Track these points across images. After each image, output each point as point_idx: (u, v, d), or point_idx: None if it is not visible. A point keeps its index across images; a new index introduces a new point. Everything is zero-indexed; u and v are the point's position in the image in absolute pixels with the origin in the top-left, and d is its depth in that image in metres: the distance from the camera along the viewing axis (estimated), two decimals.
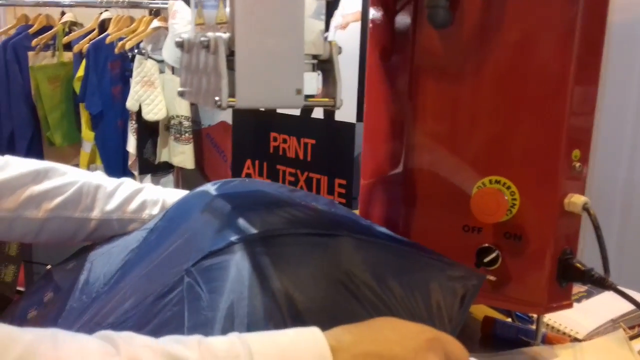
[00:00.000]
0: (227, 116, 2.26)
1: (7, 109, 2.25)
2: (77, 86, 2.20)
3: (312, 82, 0.60)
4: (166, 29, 2.15)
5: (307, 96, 0.59)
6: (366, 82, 0.77)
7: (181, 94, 0.65)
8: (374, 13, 0.75)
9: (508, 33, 0.62)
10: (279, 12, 0.54)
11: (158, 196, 0.75)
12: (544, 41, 0.61)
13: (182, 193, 0.77)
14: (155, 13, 2.30)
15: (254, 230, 0.55)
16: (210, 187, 0.68)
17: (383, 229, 0.64)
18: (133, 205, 0.73)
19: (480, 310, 0.78)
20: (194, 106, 2.29)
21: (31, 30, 2.27)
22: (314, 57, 0.59)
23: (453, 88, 0.66)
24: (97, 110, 2.18)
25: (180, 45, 0.62)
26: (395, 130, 0.72)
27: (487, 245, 0.65)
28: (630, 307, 0.76)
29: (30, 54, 2.24)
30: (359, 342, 0.42)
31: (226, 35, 0.54)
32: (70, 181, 0.71)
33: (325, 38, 0.60)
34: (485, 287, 0.66)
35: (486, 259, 0.64)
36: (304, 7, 0.56)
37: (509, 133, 0.63)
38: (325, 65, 0.60)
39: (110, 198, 0.72)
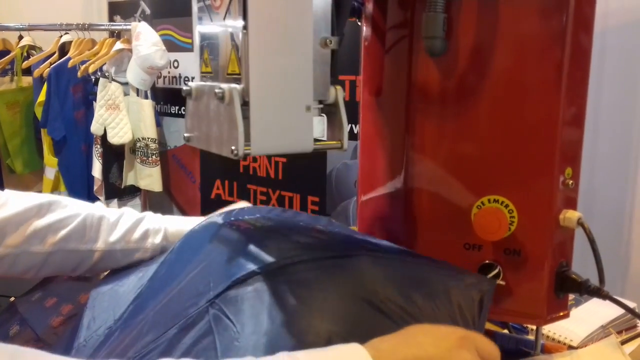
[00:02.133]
0: None
1: None
2: (38, 111, 2.15)
3: (319, 126, 0.62)
4: (130, 50, 2.13)
5: (315, 140, 0.61)
6: (361, 103, 0.79)
7: (187, 140, 0.65)
8: (366, 38, 0.77)
9: (500, 58, 0.66)
10: (289, 63, 0.57)
11: (160, 224, 0.75)
12: (533, 62, 0.65)
13: (183, 220, 0.77)
14: (117, 35, 2.27)
15: (271, 259, 0.56)
16: (217, 218, 0.68)
17: (391, 244, 0.66)
18: (136, 234, 0.73)
19: None
20: (159, 128, 2.26)
21: None
22: (320, 102, 0.62)
23: (449, 111, 0.69)
24: (60, 136, 2.13)
25: (188, 93, 0.63)
26: (392, 152, 0.74)
27: (488, 261, 0.67)
28: (617, 312, 0.80)
29: None
30: (396, 348, 0.45)
31: (240, 87, 0.55)
32: (73, 213, 0.70)
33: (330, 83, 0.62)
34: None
35: (489, 275, 0.67)
36: (311, 58, 0.58)
37: (505, 154, 0.66)
38: (330, 109, 0.62)
39: (114, 229, 0.72)
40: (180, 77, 2.29)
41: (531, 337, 0.76)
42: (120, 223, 0.73)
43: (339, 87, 0.61)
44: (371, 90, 0.78)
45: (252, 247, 0.58)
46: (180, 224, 0.76)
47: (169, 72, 2.29)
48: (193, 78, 2.24)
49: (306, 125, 0.58)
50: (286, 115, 0.57)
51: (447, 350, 0.46)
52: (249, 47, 0.54)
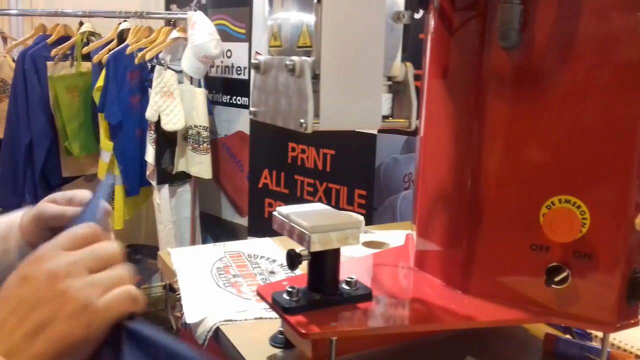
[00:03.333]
0: (244, 126, 2.27)
1: (25, 118, 2.25)
2: (96, 96, 2.20)
3: (387, 103, 0.61)
4: (185, 39, 2.17)
5: (384, 117, 0.60)
6: (426, 98, 0.77)
7: (254, 115, 0.65)
8: (433, 29, 0.75)
9: (578, 54, 0.63)
10: (361, 37, 0.56)
11: None
12: (614, 58, 0.62)
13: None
14: (174, 24, 2.31)
15: None
16: None
17: None
18: None
19: (538, 328, 0.78)
20: (210, 116, 2.29)
21: (49, 40, 2.27)
22: (389, 78, 0.60)
23: (521, 106, 0.66)
24: (117, 120, 2.19)
25: (256, 67, 0.63)
26: (458, 148, 0.73)
27: (557, 264, 0.65)
28: None
29: (49, 63, 2.24)
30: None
31: (311, 59, 0.55)
32: None
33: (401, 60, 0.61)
34: (549, 306, 0.67)
35: (557, 278, 0.64)
36: (383, 32, 0.57)
37: (580, 152, 0.64)
38: (400, 87, 0.61)
39: None
40: (232, 66, 2.31)
41: (596, 344, 0.74)
42: None
43: (409, 64, 0.60)
44: (436, 82, 0.76)
45: None
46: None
47: (222, 62, 2.32)
48: (245, 68, 2.26)
49: (375, 101, 0.57)
50: (356, 90, 0.56)
51: (20, 284, 0.41)
52: (322, 18, 0.53)
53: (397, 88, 0.61)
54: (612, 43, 0.62)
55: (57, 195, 0.63)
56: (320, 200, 1.99)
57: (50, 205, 0.61)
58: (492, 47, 0.67)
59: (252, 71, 0.65)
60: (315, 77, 0.55)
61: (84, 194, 0.62)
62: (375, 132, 1.76)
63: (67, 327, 0.40)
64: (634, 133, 0.62)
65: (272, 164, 2.06)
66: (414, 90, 0.60)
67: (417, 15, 0.77)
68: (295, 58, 0.55)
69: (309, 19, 0.56)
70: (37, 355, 0.39)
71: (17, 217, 0.64)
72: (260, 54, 2.17)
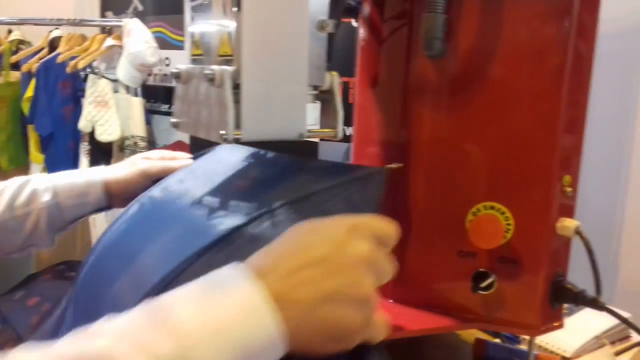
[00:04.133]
0: (184, 135, 2.22)
1: None
2: (25, 107, 2.11)
3: (314, 112, 0.60)
4: (120, 47, 2.10)
5: (310, 126, 0.59)
6: (355, 105, 0.77)
7: (175, 125, 0.63)
8: (363, 38, 0.76)
9: (500, 63, 0.64)
10: (284, 45, 0.55)
11: (47, 182, 0.73)
12: (534, 67, 0.63)
13: (72, 173, 0.76)
14: (109, 31, 2.24)
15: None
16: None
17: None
18: (22, 198, 0.70)
19: (470, 333, 0.79)
20: (148, 126, 2.23)
21: None
22: (315, 87, 0.60)
23: (446, 115, 0.67)
24: (48, 132, 2.10)
25: (177, 76, 0.61)
26: (386, 155, 0.73)
27: (482, 270, 0.66)
28: (611, 323, 0.79)
29: None
30: (282, 259, 0.39)
31: (231, 68, 0.53)
32: None
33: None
34: (478, 311, 0.68)
35: (483, 284, 0.65)
36: (308, 41, 0.56)
37: (502, 160, 0.65)
38: (325, 96, 0.60)
39: None
40: (171, 74, 2.26)
41: (524, 347, 0.75)
42: (4, 193, 0.70)
43: (334, 73, 0.59)
44: (366, 91, 0.76)
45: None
46: (70, 177, 0.74)
47: (160, 70, 2.27)
48: None
49: (300, 111, 0.56)
50: (279, 100, 0.55)
51: (340, 244, 0.40)
52: (242, 27, 0.52)
53: (323, 97, 0.61)
54: (532, 52, 0.63)
55: (156, 152, 0.78)
56: None
57: (156, 161, 0.75)
58: (418, 56, 0.67)
59: (173, 81, 0.63)
60: (237, 87, 0.53)
61: (183, 154, 0.76)
62: (317, 139, 1.76)
63: (348, 312, 0.39)
64: (553, 140, 0.63)
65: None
66: (339, 100, 0.59)
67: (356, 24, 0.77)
68: (215, 67, 0.54)
69: (230, 27, 0.55)
70: (315, 323, 0.38)
71: (96, 175, 0.75)
72: None
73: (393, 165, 0.63)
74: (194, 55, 0.62)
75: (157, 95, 2.32)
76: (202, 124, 0.58)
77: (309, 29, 0.56)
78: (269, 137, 0.57)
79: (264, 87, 0.54)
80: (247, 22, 0.52)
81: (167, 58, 2.25)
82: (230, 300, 0.35)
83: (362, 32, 0.76)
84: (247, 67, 0.53)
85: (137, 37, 2.04)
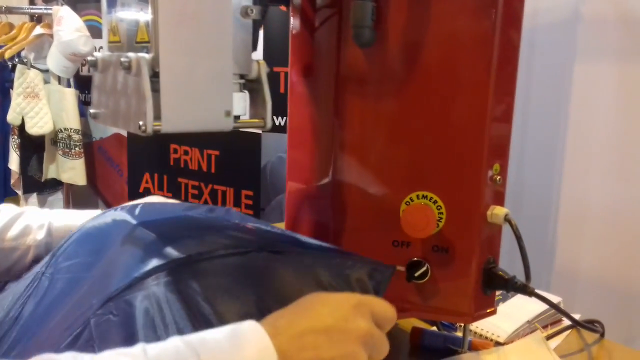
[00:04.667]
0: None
1: None
2: None
3: (240, 103, 0.58)
4: (50, 36, 2.01)
5: (236, 117, 0.57)
6: (289, 95, 0.76)
7: (94, 116, 0.60)
8: (294, 27, 0.74)
9: (429, 52, 0.64)
10: (205, 31, 0.52)
11: (43, 219, 0.68)
12: (463, 58, 0.63)
13: (70, 214, 0.71)
14: (38, 19, 2.14)
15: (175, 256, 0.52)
16: (116, 213, 0.63)
17: (311, 240, 0.64)
18: (13, 231, 0.66)
19: (409, 322, 0.79)
20: (83, 118, 2.15)
21: None
22: (242, 76, 0.58)
23: (378, 105, 0.66)
24: None
25: (93, 64, 0.58)
26: (320, 147, 0.72)
27: (416, 259, 0.66)
28: (542, 307, 0.81)
29: None
30: (293, 322, 0.44)
31: (149, 56, 0.50)
32: None
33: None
34: (414, 300, 0.68)
35: (417, 273, 0.65)
36: (231, 26, 0.54)
37: (432, 149, 0.65)
38: (253, 85, 0.58)
39: None
40: (87, 63, 2.18)
41: (460, 334, 0.76)
42: None
43: (262, 62, 0.57)
44: (299, 80, 0.74)
45: (154, 249, 0.53)
46: (67, 219, 0.69)
47: None
48: None
49: (225, 101, 0.53)
50: (202, 89, 0.52)
51: (343, 319, 0.45)
52: (158, 10, 0.49)
53: (251, 87, 0.58)
54: (461, 42, 0.63)
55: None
56: (206, 203, 1.92)
57: None
58: (348, 45, 0.66)
59: (90, 69, 0.59)
60: (155, 76, 0.50)
61: None
62: (259, 131, 1.73)
63: None
64: (482, 129, 0.64)
65: (153, 167, 1.97)
66: (267, 89, 0.57)
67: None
68: (131, 55, 0.50)
69: (147, 12, 0.52)
70: None
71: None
72: None
73: (400, 268, 0.65)
74: (111, 42, 0.58)
75: (91, 86, 2.23)
76: (120, 115, 0.54)
77: (231, 14, 0.54)
78: (191, 128, 0.54)
79: (184, 75, 0.51)
80: (164, 7, 0.49)
81: (101, 47, 2.16)
82: (248, 353, 0.40)
83: (293, 21, 0.74)
84: (165, 55, 0.50)
85: (68, 26, 1.95)
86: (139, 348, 0.39)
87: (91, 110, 0.60)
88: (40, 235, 0.67)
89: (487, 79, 0.63)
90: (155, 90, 0.50)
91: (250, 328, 0.42)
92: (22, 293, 0.58)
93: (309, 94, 0.73)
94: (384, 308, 0.49)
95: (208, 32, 0.52)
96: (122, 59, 0.50)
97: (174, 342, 0.40)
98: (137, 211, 0.63)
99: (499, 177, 0.65)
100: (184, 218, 0.64)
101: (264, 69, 0.58)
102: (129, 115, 0.52)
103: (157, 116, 0.50)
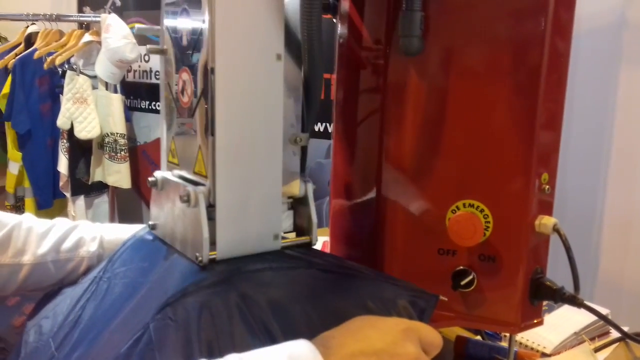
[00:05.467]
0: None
1: None
2: (1, 104, 2.07)
3: (287, 220, 0.61)
4: (99, 43, 2.07)
5: (284, 233, 0.60)
6: (335, 103, 0.77)
7: (152, 227, 0.64)
8: (341, 37, 0.75)
9: (477, 60, 0.64)
10: (258, 161, 0.55)
11: (95, 232, 0.71)
12: (511, 65, 0.63)
13: (121, 227, 0.74)
14: (86, 27, 2.21)
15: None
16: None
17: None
18: (68, 243, 0.69)
19: (452, 330, 0.79)
20: (128, 122, 2.21)
21: None
22: (289, 197, 0.60)
23: (425, 114, 0.67)
24: (25, 129, 2.06)
25: (153, 184, 0.61)
26: (368, 152, 0.72)
27: (462, 267, 0.66)
28: (589, 319, 0.80)
29: None
30: (344, 343, 0.45)
31: (206, 189, 0.53)
32: None
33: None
34: (459, 309, 0.68)
35: (463, 282, 0.65)
36: (281, 160, 0.56)
37: (480, 158, 0.65)
38: (300, 202, 0.61)
39: (43, 240, 0.68)
40: (151, 71, 2.24)
41: (504, 344, 0.75)
42: (51, 233, 0.68)
43: (308, 182, 0.60)
44: (346, 90, 0.75)
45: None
46: (118, 232, 0.72)
47: (139, 66, 2.24)
48: None
49: (274, 224, 0.56)
50: (254, 216, 0.55)
51: (392, 343, 0.46)
52: (216, 151, 0.52)
53: (296, 204, 0.61)
54: (510, 49, 0.63)
55: None
56: None
57: None
58: (395, 55, 0.67)
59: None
60: (211, 206, 0.53)
61: None
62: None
63: None
64: (531, 136, 0.63)
65: None
66: (313, 208, 0.60)
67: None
68: (189, 188, 0.53)
69: (204, 147, 0.54)
70: None
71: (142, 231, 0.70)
72: None
73: (444, 298, 0.64)
74: (170, 162, 0.62)
75: (137, 92, 2.29)
76: (177, 237, 0.57)
77: (282, 143, 0.56)
78: (243, 253, 0.56)
79: (238, 205, 0.54)
80: (221, 147, 0.52)
81: (146, 54, 2.22)
82: None
83: (340, 30, 0.75)
84: (221, 188, 0.53)
85: (116, 33, 2.01)
86: None
87: (151, 222, 0.63)
88: (93, 247, 0.70)
89: (536, 86, 0.62)
90: (211, 218, 0.53)
91: (305, 348, 0.43)
92: (80, 296, 0.60)
93: (356, 104, 0.74)
94: (432, 334, 0.50)
95: (260, 162, 0.55)
96: (181, 193, 0.53)
97: (231, 357, 0.41)
98: None
99: (547, 186, 0.65)
100: None
101: (310, 189, 0.61)
102: (187, 241, 0.56)
103: (212, 242, 0.53)
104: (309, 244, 0.59)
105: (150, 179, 0.61)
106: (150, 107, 2.27)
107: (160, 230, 0.61)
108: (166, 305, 0.49)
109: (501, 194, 0.64)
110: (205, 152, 0.53)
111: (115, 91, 2.14)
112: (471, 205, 0.65)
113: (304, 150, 0.59)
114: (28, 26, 2.17)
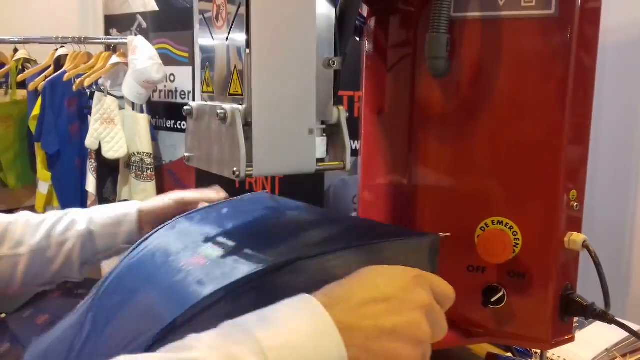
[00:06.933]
0: None
1: None
2: (32, 125, 2.13)
3: (322, 146, 0.62)
4: (125, 64, 2.12)
5: (318, 160, 0.60)
6: (363, 121, 0.78)
7: (187, 160, 0.65)
8: (368, 57, 0.76)
9: (503, 78, 0.65)
10: (292, 83, 0.56)
11: (85, 214, 0.76)
12: (537, 82, 0.64)
13: (111, 206, 0.79)
14: (114, 49, 2.26)
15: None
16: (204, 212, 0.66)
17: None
18: (60, 227, 0.73)
19: (482, 347, 0.79)
20: (154, 142, 2.25)
21: None
22: (323, 122, 0.61)
23: (452, 133, 0.68)
24: (54, 150, 2.11)
25: (189, 113, 0.63)
26: (396, 170, 0.73)
27: (492, 284, 0.66)
28: (621, 335, 0.79)
29: None
30: (350, 292, 0.43)
31: (242, 107, 0.55)
32: None
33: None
34: (489, 326, 0.68)
35: (493, 299, 0.66)
36: (314, 79, 0.57)
37: (509, 175, 0.66)
38: (333, 129, 0.62)
39: (38, 229, 0.72)
40: (176, 91, 2.28)
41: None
42: (44, 223, 0.73)
43: (341, 108, 0.61)
44: (373, 108, 0.77)
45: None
46: (107, 210, 0.77)
47: (165, 86, 2.28)
48: (189, 92, 2.23)
49: (309, 147, 0.57)
50: (289, 136, 0.56)
51: (402, 289, 0.44)
52: (252, 67, 0.53)
53: (330, 131, 0.62)
54: (536, 65, 0.64)
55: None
56: None
57: (191, 191, 0.80)
58: (422, 76, 0.68)
59: (186, 117, 0.64)
60: (247, 125, 0.55)
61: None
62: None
63: (406, 349, 0.42)
64: (559, 152, 0.64)
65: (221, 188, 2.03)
66: (347, 133, 0.61)
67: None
68: (226, 106, 0.55)
69: (239, 66, 0.56)
70: (373, 353, 0.41)
71: (130, 209, 0.77)
72: None
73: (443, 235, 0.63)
74: (204, 92, 0.63)
75: (162, 112, 2.33)
76: (214, 160, 0.59)
77: (315, 66, 0.57)
78: (279, 172, 0.58)
79: (274, 124, 0.55)
80: (257, 62, 0.54)
81: (171, 74, 2.26)
82: (304, 324, 0.40)
83: (367, 49, 0.77)
84: (258, 106, 0.54)
85: (142, 54, 2.06)
86: (190, 338, 0.39)
87: (185, 154, 0.65)
88: (82, 225, 0.74)
89: (562, 101, 0.63)
90: (247, 138, 0.54)
91: (301, 300, 0.42)
92: (69, 335, 0.59)
93: (383, 122, 0.75)
94: (444, 284, 0.48)
95: (295, 84, 0.56)
96: (218, 111, 0.55)
97: (227, 324, 0.40)
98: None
99: (576, 203, 0.65)
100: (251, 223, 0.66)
101: (344, 115, 0.61)
102: (223, 161, 0.57)
103: (249, 162, 0.54)
104: (342, 169, 0.59)
105: (185, 107, 0.62)
106: (175, 126, 2.31)
107: (195, 160, 0.63)
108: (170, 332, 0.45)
109: (530, 211, 0.65)
110: (242, 71, 0.55)
111: (142, 111, 2.18)
112: (500, 223, 0.65)
113: (336, 76, 0.60)
114: (57, 49, 2.23)
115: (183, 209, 0.75)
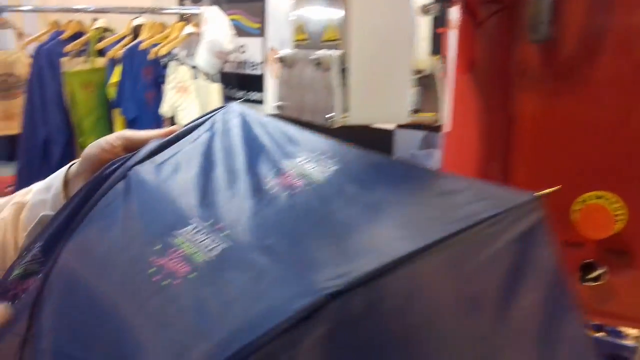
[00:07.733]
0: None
1: (41, 114, 2.25)
2: (110, 92, 2.21)
3: (415, 97, 0.60)
4: (199, 35, 2.16)
5: (410, 111, 0.59)
6: (452, 93, 0.76)
7: (280, 108, 0.64)
8: (458, 22, 0.74)
9: (610, 45, 0.62)
10: (389, 30, 0.55)
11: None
12: None
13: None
14: (187, 19, 2.30)
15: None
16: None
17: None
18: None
19: None
20: None
21: (63, 37, 2.27)
22: (417, 72, 0.59)
23: (552, 101, 0.65)
24: (133, 116, 2.19)
25: (282, 60, 0.62)
26: (485, 143, 0.71)
27: (590, 260, 0.64)
28: None
29: (64, 59, 2.25)
30: None
31: (338, 53, 0.54)
32: None
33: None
34: (586, 303, 0.66)
35: (591, 275, 0.63)
36: (414, 24, 0.56)
37: (613, 147, 0.62)
38: (427, 80, 0.60)
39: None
40: (246, 62, 2.30)
41: (628, 342, 0.72)
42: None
43: (437, 57, 0.59)
44: (464, 77, 0.75)
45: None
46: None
47: (235, 57, 2.31)
48: (260, 64, 2.25)
49: (403, 96, 0.56)
50: (384, 84, 0.55)
51: None
52: (351, 12, 0.52)
53: (424, 82, 0.60)
54: None
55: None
56: None
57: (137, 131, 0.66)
58: (520, 40, 0.66)
59: (278, 64, 0.64)
60: (343, 71, 0.54)
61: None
62: (393, 127, 1.74)
63: None
64: None
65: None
66: (441, 85, 0.59)
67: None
68: (321, 52, 0.54)
69: (335, 13, 0.55)
70: None
71: (62, 171, 0.67)
72: (274, 49, 2.16)
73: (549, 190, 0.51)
74: (297, 40, 0.63)
75: (233, 82, 2.36)
76: (307, 107, 0.58)
77: (413, 12, 0.56)
78: (373, 121, 0.57)
79: (370, 71, 0.55)
80: (356, 8, 0.53)
81: (242, 46, 2.28)
82: None
83: (457, 17, 0.75)
84: (355, 52, 0.53)
85: (215, 25, 2.08)
86: None
87: (277, 103, 0.65)
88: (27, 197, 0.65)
89: None
90: (343, 84, 0.54)
91: None
92: None
93: (473, 91, 0.73)
94: None
95: (391, 31, 0.55)
96: (313, 57, 0.54)
97: None
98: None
99: None
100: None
101: (439, 65, 0.59)
102: (317, 108, 0.56)
103: (344, 109, 0.54)
104: (435, 122, 0.58)
105: (279, 55, 0.62)
106: (245, 97, 2.34)
107: (287, 108, 0.62)
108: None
109: (637, 185, 0.61)
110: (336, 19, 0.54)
111: (214, 81, 2.22)
112: (600, 197, 0.63)
113: (434, 22, 0.58)
114: (134, 19, 2.29)
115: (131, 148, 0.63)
